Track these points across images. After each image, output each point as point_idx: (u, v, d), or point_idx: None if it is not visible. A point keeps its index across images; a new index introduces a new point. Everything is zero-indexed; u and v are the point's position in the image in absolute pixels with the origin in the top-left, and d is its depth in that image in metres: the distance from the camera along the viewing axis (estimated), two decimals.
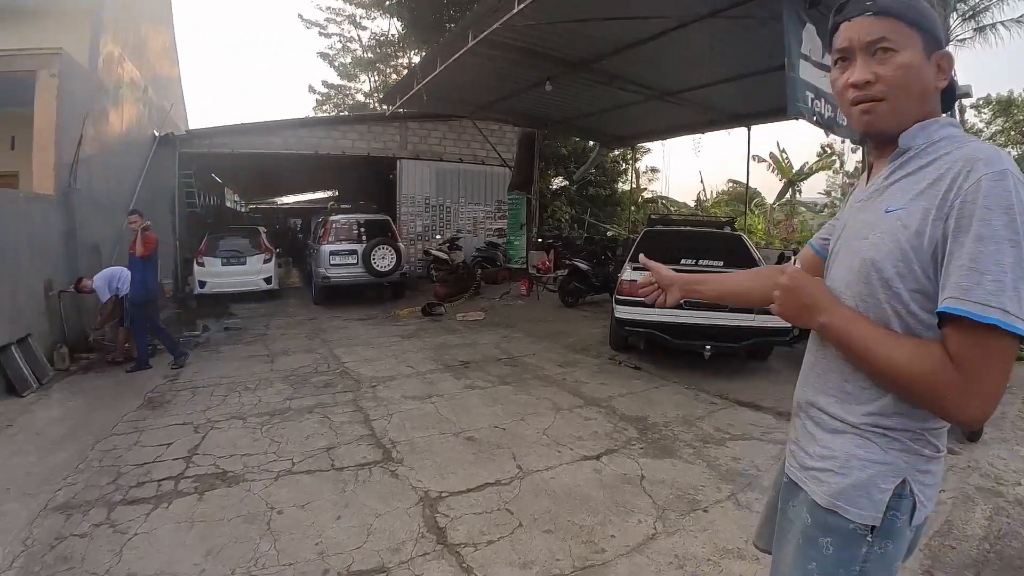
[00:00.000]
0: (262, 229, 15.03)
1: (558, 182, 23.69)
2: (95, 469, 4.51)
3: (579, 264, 11.63)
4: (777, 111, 11.89)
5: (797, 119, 6.21)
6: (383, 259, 12.29)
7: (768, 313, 5.04)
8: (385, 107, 14.42)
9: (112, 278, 7.85)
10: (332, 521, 3.63)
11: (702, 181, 40.87)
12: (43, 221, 7.94)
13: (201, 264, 12.89)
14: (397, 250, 12.49)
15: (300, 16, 54.68)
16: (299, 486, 4.11)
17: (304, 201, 36.51)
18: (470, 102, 13.61)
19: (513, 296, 13.25)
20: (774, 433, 5.05)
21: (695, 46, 8.94)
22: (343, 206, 14.24)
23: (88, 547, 3.39)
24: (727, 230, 8.51)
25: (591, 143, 21.41)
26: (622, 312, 7.07)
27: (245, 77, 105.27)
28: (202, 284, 12.81)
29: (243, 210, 34.89)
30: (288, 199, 40.26)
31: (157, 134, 14.12)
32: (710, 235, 8.27)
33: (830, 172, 23.55)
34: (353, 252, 12.34)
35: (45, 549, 3.39)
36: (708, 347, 6.59)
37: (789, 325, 6.56)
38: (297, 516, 3.69)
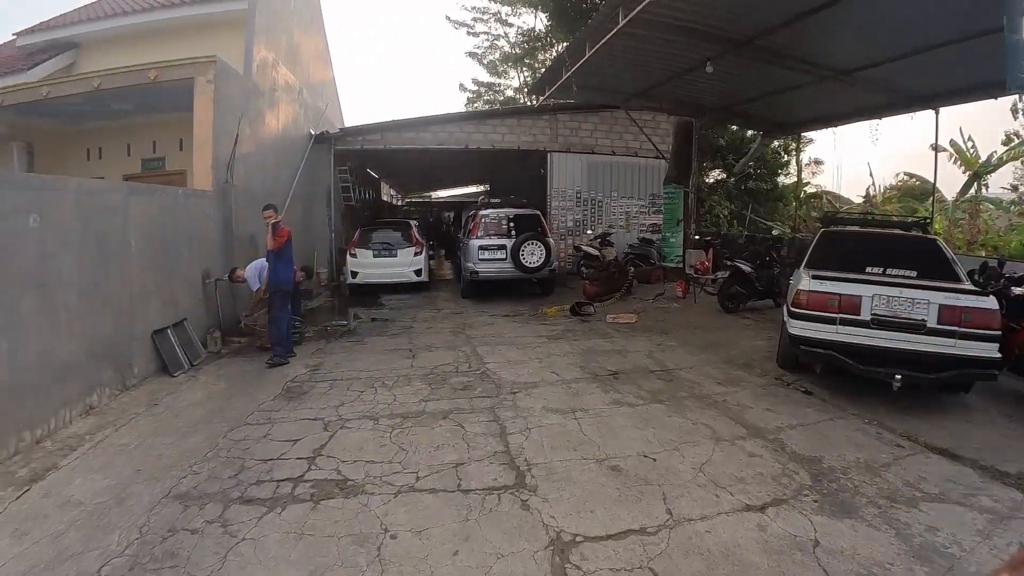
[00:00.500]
0: (413, 222, 15.28)
1: (715, 175, 22.28)
2: (221, 460, 4.51)
3: (741, 266, 10.54)
4: (975, 88, 10.17)
5: (1021, 94, 4.93)
6: (532, 255, 11.90)
7: (975, 339, 3.88)
8: (534, 99, 14.06)
9: (262, 269, 8.10)
10: (448, 556, 3.22)
11: (871, 174, 36.64)
12: (202, 215, 8.43)
13: (353, 255, 13.30)
14: (546, 245, 12.03)
15: (447, 18, 56.27)
16: (419, 507, 3.76)
17: (457, 195, 37.37)
18: (622, 90, 12.89)
19: (668, 298, 12.31)
20: (979, 496, 3.90)
21: (877, 13, 7.70)
22: (492, 200, 14.07)
23: (196, 545, 3.36)
24: (915, 232, 7.13)
25: (750, 133, 19.87)
26: (797, 328, 6.04)
27: (399, 80, 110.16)
28: (354, 274, 13.20)
29: (400, 204, 36.21)
30: (442, 193, 41.47)
31: (313, 132, 14.78)
32: (899, 238, 6.93)
33: (1018, 163, 19.75)
34: (502, 247, 12.08)
35: (157, 540, 3.38)
36: (898, 377, 5.40)
37: (998, 355, 5.38)
38: (411, 544, 3.33)
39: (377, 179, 26.50)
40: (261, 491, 3.98)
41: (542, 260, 11.93)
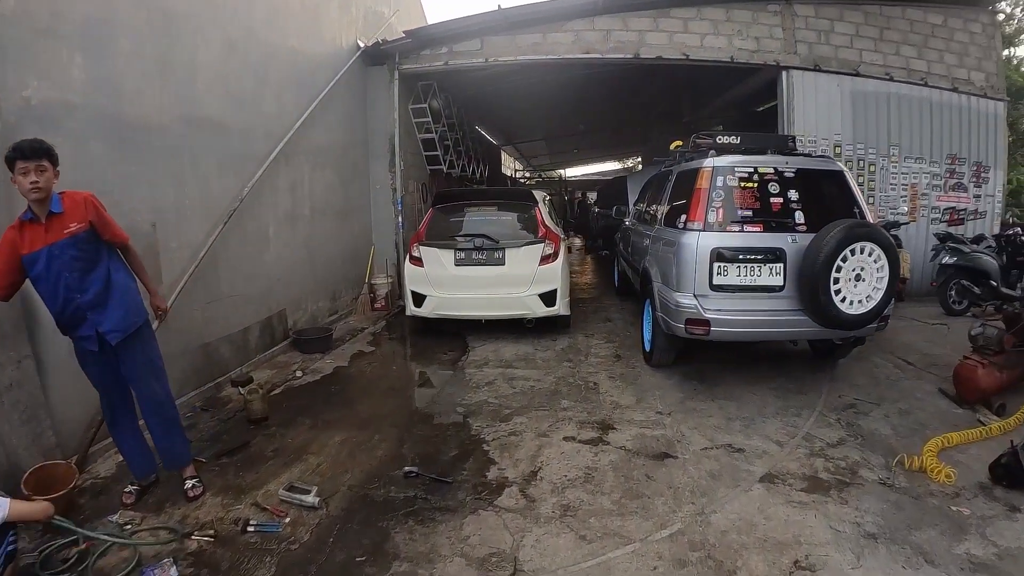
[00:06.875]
0: (542, 195, 7.82)
1: None
2: None
3: None
4: None
5: None
6: (859, 284, 4.28)
7: None
8: None
9: None
10: None
11: None
12: None
13: (416, 260, 6.60)
14: (892, 260, 4.30)
15: None
16: None
17: (595, 175, 29.39)
18: None
19: None
20: None
21: None
22: (729, 139, 5.80)
23: None
24: None
25: None
26: None
27: None
28: (418, 300, 6.56)
29: (524, 181, 27.82)
30: (575, 171, 32.77)
31: (361, 44, 8.39)
32: None
33: None
34: (776, 257, 4.58)
35: None
36: None
37: None
38: None
39: (496, 147, 19.23)
40: None
41: (879, 299, 4.34)
